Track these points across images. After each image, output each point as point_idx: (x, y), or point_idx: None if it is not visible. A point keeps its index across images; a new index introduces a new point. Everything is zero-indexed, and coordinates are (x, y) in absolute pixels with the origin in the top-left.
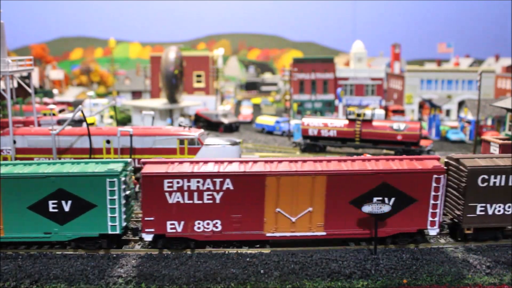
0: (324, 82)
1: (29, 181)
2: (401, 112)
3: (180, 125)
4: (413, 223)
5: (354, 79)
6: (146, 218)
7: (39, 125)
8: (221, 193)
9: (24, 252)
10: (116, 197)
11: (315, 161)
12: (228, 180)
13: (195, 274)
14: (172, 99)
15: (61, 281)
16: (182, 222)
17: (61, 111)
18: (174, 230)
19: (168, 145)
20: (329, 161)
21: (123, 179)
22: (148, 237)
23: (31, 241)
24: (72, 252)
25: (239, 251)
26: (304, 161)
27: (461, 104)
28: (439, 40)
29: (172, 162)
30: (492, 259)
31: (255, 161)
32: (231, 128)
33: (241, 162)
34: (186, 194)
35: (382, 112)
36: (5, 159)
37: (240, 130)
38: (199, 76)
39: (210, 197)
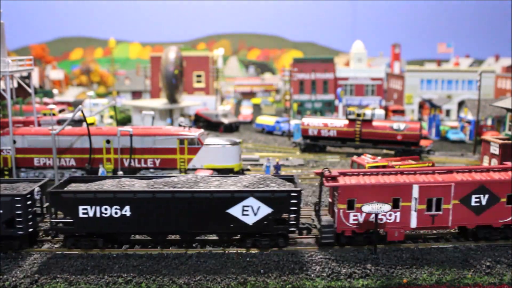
0: (324, 82)
1: None
2: (401, 112)
3: (180, 125)
4: None
5: (354, 79)
6: None
7: (39, 125)
8: None
9: (24, 252)
10: None
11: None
12: None
13: (195, 274)
14: (172, 99)
15: (61, 281)
16: None
17: (61, 111)
18: None
19: (168, 145)
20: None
21: None
22: None
23: None
24: (72, 252)
25: (239, 251)
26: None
27: (461, 104)
28: (439, 40)
29: None
30: (492, 259)
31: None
32: (231, 128)
33: None
34: None
35: (382, 112)
36: (5, 159)
37: (240, 130)
38: (199, 76)
39: None
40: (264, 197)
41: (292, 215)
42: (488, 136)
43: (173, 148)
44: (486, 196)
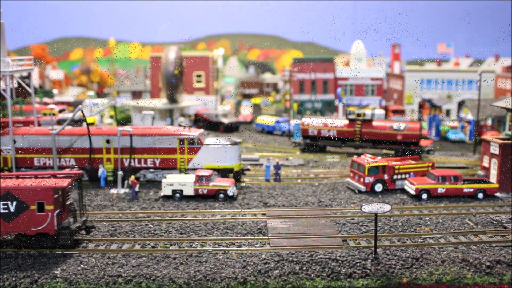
0: (324, 82)
1: None
2: (401, 112)
3: (180, 125)
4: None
5: (354, 79)
6: None
7: (39, 125)
8: None
9: (24, 252)
10: None
11: None
12: None
13: (195, 274)
14: (172, 99)
15: (61, 281)
16: None
17: (61, 111)
18: None
19: (168, 145)
20: None
21: None
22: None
23: None
24: (72, 252)
25: (239, 251)
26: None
27: (461, 104)
28: (439, 40)
29: None
30: (492, 259)
31: None
32: (231, 128)
33: None
34: None
35: (382, 112)
36: (5, 159)
37: (240, 130)
38: (199, 76)
39: None
40: None
41: None
42: (488, 136)
43: (173, 148)
44: (14, 203)
